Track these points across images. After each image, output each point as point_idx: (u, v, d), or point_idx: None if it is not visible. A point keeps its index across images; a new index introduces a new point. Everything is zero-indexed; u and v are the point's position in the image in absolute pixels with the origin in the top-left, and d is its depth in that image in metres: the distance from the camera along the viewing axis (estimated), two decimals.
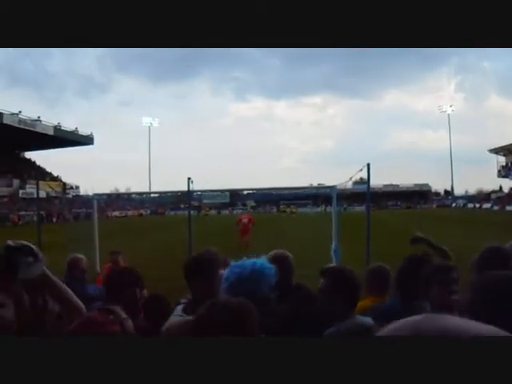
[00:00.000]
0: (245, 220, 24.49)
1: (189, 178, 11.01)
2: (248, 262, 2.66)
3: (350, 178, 11.78)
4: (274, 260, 3.37)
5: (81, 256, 5.38)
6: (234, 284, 2.63)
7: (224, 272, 2.86)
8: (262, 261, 2.66)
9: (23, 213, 68.85)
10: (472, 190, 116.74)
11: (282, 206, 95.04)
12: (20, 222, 62.24)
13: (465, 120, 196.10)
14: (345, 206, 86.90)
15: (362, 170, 10.26)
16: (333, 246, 11.10)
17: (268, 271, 2.61)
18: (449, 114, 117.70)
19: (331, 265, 4.15)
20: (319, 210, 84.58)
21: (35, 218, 62.23)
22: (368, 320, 2.99)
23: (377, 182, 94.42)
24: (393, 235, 25.46)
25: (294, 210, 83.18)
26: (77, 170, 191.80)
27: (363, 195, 77.47)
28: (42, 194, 72.70)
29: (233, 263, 2.78)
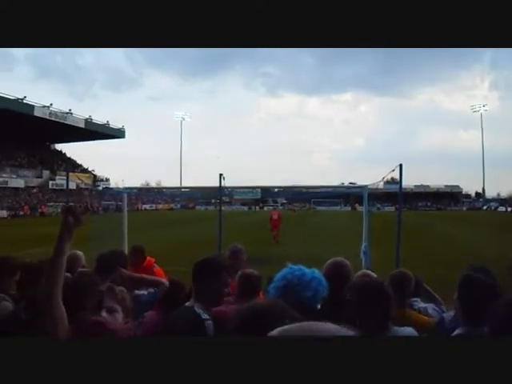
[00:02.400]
0: (275, 216, 26.85)
1: (221, 175, 11.01)
2: (307, 269, 2.63)
3: (383, 179, 11.62)
4: (330, 267, 3.37)
5: (79, 253, 5.46)
6: (290, 285, 2.59)
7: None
8: (319, 273, 2.62)
9: (52, 203, 70.43)
10: (504, 193, 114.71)
11: (289, 205, 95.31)
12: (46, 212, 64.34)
13: (499, 120, 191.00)
14: (378, 206, 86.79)
15: (394, 170, 10.12)
16: (362, 247, 10.97)
17: (322, 287, 2.57)
18: (481, 114, 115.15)
19: (360, 276, 3.99)
20: (350, 209, 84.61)
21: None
22: (409, 330, 2.91)
23: (407, 182, 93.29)
24: (424, 238, 25.33)
25: (294, 208, 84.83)
26: (107, 163, 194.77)
27: (394, 195, 76.80)
28: (72, 186, 73.84)
29: (291, 265, 2.76)
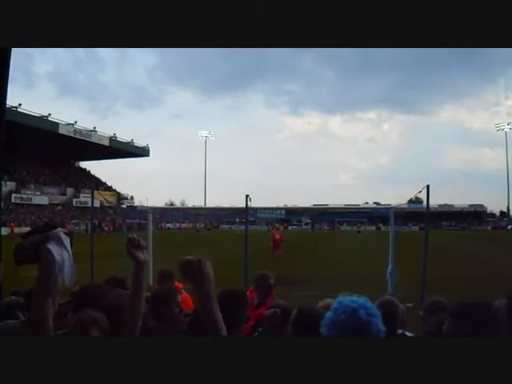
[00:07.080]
0: (277, 236, 26.86)
1: (247, 196, 11.08)
2: (360, 303, 2.44)
3: (409, 200, 11.60)
4: (381, 306, 3.37)
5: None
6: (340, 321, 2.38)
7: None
8: (371, 307, 2.48)
9: (75, 221, 71.29)
10: None
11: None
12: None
13: None
14: (409, 225, 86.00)
15: (421, 191, 10.12)
16: (389, 268, 10.93)
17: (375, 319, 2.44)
18: (506, 132, 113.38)
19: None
20: (374, 228, 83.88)
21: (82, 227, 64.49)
22: None
23: (432, 201, 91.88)
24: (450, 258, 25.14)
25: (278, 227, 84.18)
26: (131, 181, 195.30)
27: (418, 214, 75.91)
28: (96, 204, 74.23)
29: (341, 298, 2.57)
